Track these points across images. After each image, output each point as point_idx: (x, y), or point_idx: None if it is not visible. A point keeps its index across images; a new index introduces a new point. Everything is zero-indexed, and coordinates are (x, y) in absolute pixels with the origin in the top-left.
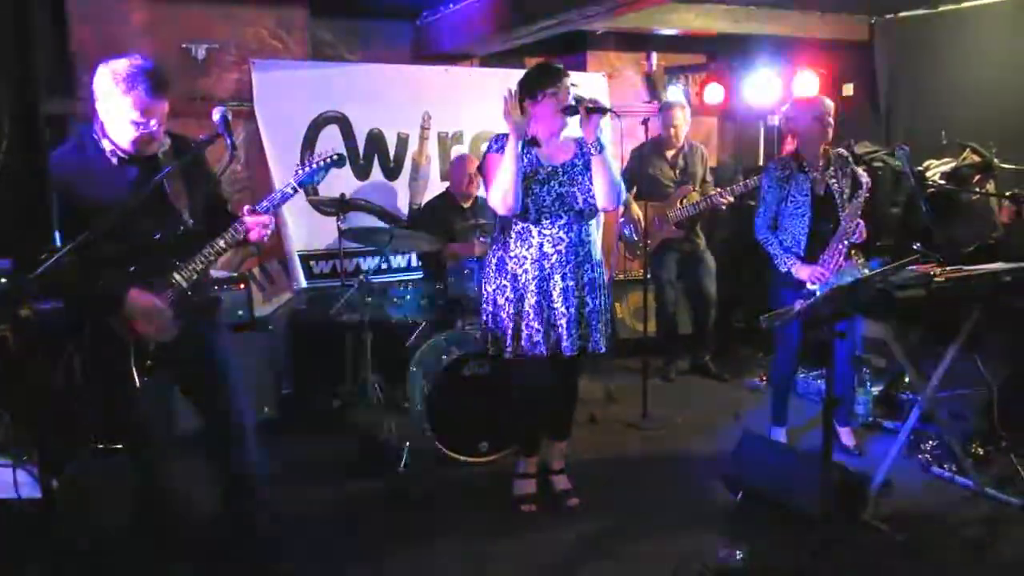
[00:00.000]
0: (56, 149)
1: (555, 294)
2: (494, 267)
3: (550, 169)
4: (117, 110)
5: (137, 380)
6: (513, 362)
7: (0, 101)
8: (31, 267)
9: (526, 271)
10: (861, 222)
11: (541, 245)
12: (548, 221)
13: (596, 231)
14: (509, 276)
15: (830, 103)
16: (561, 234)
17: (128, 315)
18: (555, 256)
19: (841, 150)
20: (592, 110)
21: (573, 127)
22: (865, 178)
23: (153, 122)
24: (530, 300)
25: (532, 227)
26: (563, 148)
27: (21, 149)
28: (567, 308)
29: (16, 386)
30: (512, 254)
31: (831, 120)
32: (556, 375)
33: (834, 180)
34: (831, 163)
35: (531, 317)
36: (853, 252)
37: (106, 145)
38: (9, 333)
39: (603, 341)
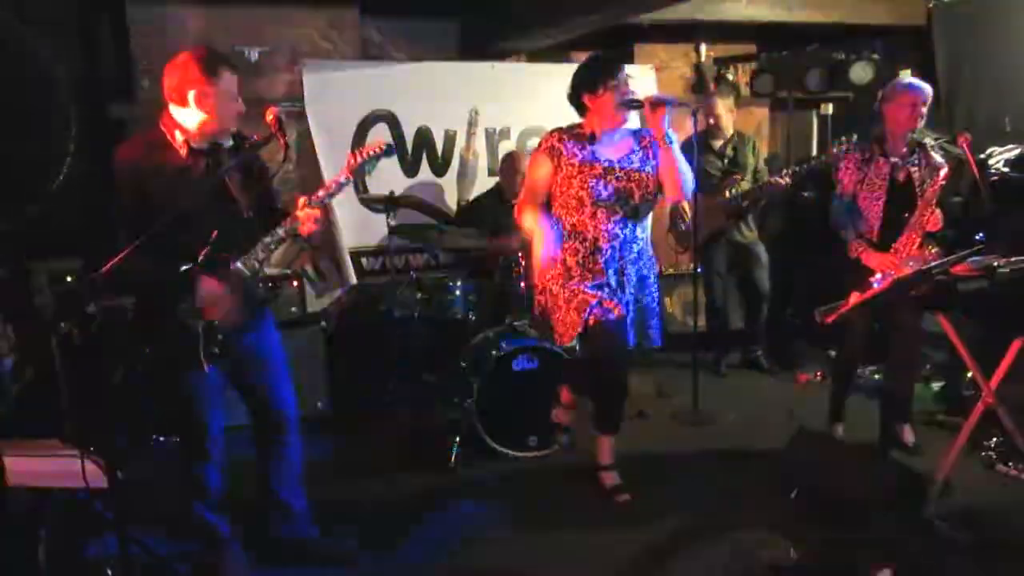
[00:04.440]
0: (123, 145)
1: (607, 290)
2: (548, 257)
3: (607, 164)
4: (208, 98)
5: (205, 367)
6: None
7: (67, 106)
8: (98, 265)
9: (579, 263)
10: (937, 210)
11: (596, 239)
12: (603, 215)
13: (649, 227)
14: (563, 267)
15: (929, 90)
16: (616, 230)
17: (199, 301)
18: (609, 251)
19: (927, 139)
20: (658, 104)
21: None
22: (943, 165)
23: (239, 99)
24: (580, 294)
25: (588, 221)
26: (620, 143)
27: (88, 151)
28: (618, 303)
29: (83, 379)
30: (566, 246)
31: (924, 110)
32: (603, 370)
33: (915, 168)
34: (914, 150)
35: (581, 310)
36: (929, 242)
37: (178, 136)
38: (76, 329)
39: (657, 336)
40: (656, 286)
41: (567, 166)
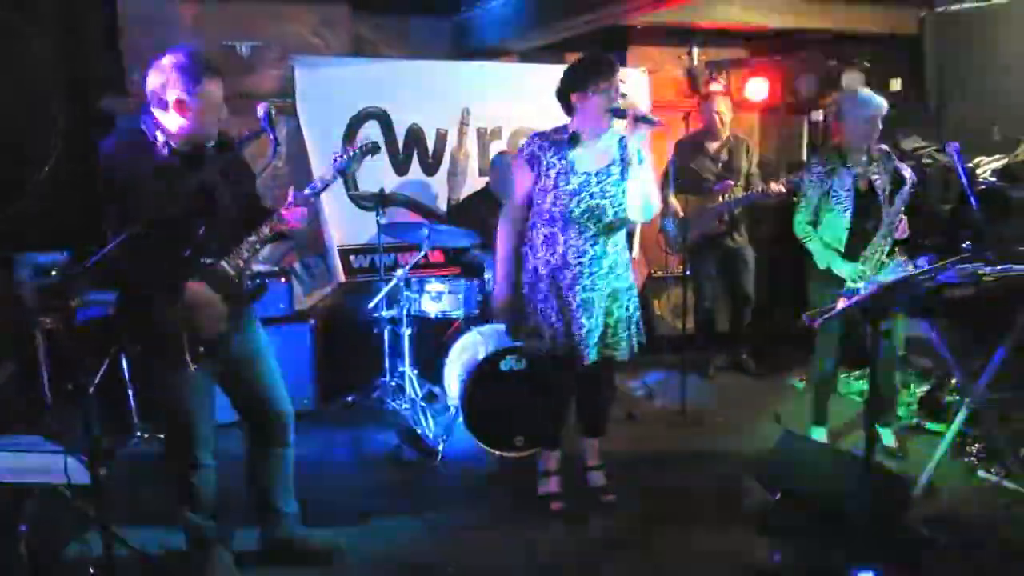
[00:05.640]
0: (106, 141)
1: (575, 305)
2: (520, 262)
3: (584, 178)
4: (191, 105)
5: (191, 366)
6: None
7: (55, 97)
8: (83, 260)
9: (546, 275)
10: (904, 218)
11: (565, 254)
12: (575, 232)
13: (624, 237)
14: (533, 274)
15: (884, 103)
16: (587, 246)
17: (185, 305)
18: (578, 267)
19: (883, 146)
20: (641, 120)
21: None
22: (909, 173)
23: (223, 106)
24: (552, 303)
25: (559, 235)
26: (602, 150)
27: (75, 144)
28: (587, 319)
29: (66, 375)
30: (538, 255)
31: (880, 123)
32: (582, 378)
33: (877, 176)
34: (874, 159)
35: (553, 318)
36: (896, 249)
37: (159, 136)
38: (60, 325)
39: (629, 348)
40: (631, 297)
41: (544, 178)
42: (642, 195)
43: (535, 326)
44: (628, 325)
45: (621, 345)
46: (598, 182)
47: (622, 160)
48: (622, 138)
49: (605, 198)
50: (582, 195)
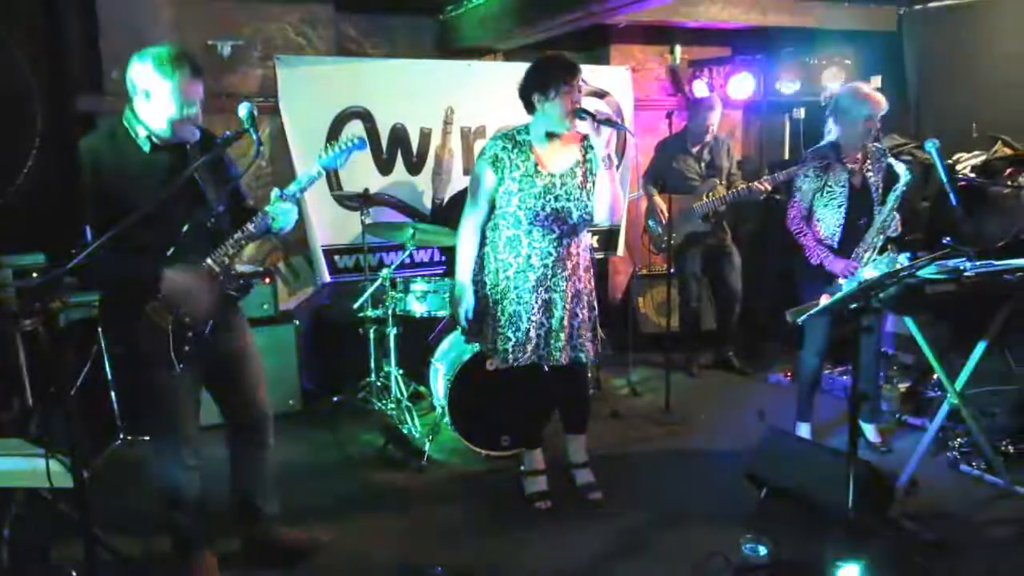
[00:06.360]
0: (87, 138)
1: (536, 307)
2: (478, 263)
3: (548, 179)
4: (159, 97)
5: (176, 366)
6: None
7: (33, 97)
8: (63, 260)
9: (508, 278)
10: (897, 215)
11: (529, 256)
12: (539, 234)
13: (587, 239)
14: (490, 276)
15: (884, 103)
16: (551, 248)
17: (167, 296)
18: (541, 269)
19: (878, 143)
20: (605, 123)
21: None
22: (904, 170)
23: (195, 105)
24: (508, 308)
25: (523, 237)
26: (566, 151)
27: (53, 145)
28: (548, 320)
29: (48, 378)
30: (499, 256)
31: (879, 123)
32: (557, 377)
33: (871, 173)
34: (868, 156)
35: (505, 325)
36: (889, 246)
37: (140, 131)
38: (41, 327)
39: (592, 349)
40: (591, 299)
41: (509, 180)
42: (608, 197)
43: (493, 329)
44: (591, 327)
45: (586, 346)
46: (562, 184)
47: (586, 162)
48: (586, 138)
49: (570, 200)
50: (547, 197)
